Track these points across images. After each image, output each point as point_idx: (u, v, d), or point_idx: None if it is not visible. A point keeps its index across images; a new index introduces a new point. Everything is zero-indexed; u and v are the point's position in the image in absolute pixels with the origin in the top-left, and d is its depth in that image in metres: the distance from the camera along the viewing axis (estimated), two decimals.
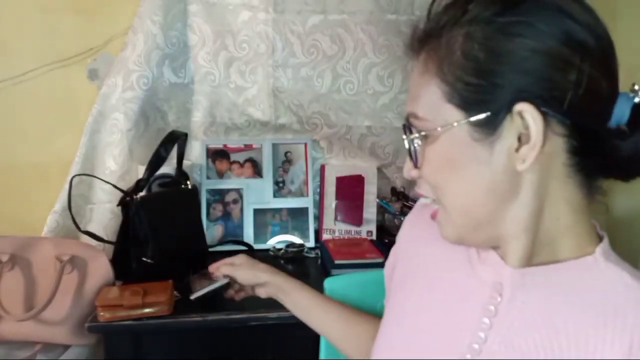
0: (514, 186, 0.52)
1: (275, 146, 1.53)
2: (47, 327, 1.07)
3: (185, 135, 1.30)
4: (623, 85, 0.55)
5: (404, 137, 0.56)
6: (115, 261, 1.17)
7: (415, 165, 0.56)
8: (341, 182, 1.54)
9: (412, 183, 1.57)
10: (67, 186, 1.23)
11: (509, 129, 0.50)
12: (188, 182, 1.32)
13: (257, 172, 1.52)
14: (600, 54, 0.49)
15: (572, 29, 0.48)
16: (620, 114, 0.51)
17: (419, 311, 0.63)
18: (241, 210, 1.49)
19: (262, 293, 0.91)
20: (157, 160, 1.23)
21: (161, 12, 1.32)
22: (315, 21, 1.41)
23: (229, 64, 1.43)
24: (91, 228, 1.31)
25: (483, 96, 0.50)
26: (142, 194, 1.20)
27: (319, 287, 0.93)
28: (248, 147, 1.52)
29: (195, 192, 1.36)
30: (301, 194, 1.53)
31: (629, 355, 0.49)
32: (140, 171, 1.32)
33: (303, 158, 1.54)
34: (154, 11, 1.31)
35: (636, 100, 0.51)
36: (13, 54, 1.35)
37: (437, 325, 0.60)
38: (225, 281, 0.93)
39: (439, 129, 0.52)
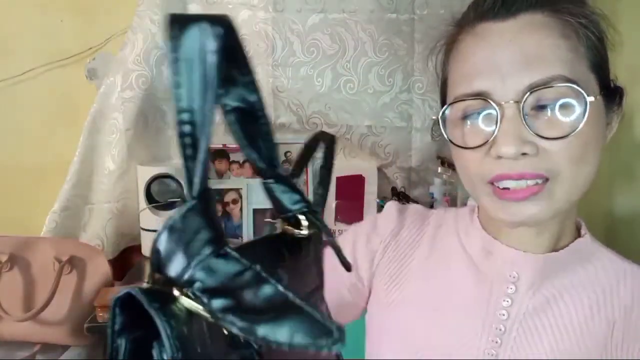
0: None
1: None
2: (46, 327, 1.07)
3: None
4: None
5: (550, 101, 0.49)
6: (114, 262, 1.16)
7: (541, 136, 0.49)
8: (341, 182, 1.54)
9: (412, 183, 1.57)
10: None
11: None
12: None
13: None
14: None
15: None
16: None
17: (427, 329, 0.60)
18: (241, 210, 1.48)
19: None
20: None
21: (160, 11, 1.31)
22: (315, 20, 1.40)
23: None
24: (90, 229, 1.31)
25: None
26: None
27: None
28: None
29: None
30: None
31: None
32: (140, 171, 1.32)
33: None
34: (154, 10, 1.30)
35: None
36: (12, 53, 1.35)
37: (450, 335, 0.58)
38: None
39: (593, 97, 0.49)
